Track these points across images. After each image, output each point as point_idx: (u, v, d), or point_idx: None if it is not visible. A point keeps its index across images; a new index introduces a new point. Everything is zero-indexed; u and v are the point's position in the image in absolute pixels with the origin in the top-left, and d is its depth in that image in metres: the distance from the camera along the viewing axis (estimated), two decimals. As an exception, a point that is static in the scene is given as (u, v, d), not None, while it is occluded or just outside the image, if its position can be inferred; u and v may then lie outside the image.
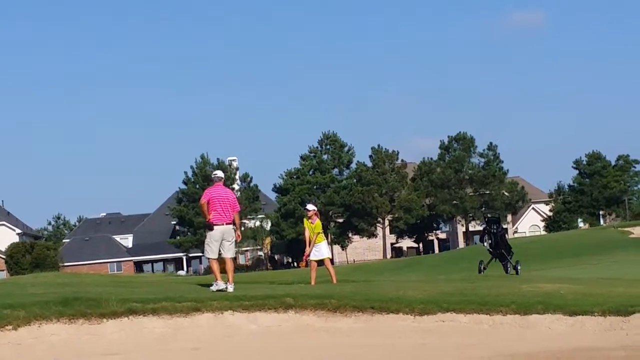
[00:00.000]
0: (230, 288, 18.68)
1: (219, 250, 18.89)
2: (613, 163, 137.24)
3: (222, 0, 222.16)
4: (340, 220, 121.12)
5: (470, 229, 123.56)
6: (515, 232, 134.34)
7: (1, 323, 14.21)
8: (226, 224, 18.81)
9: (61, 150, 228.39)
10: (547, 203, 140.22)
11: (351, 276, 25.90)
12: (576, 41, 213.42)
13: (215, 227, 18.79)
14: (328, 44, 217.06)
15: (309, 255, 22.50)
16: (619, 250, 62.64)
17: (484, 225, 28.50)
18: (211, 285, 19.12)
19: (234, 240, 18.99)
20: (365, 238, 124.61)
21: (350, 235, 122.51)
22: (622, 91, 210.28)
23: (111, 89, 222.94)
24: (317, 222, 22.43)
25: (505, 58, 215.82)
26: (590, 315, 15.80)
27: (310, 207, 22.76)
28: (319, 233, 22.36)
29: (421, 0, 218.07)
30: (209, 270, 20.29)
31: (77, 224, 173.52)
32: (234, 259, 19.71)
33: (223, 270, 19.11)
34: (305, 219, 22.72)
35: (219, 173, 19.47)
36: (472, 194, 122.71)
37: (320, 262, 22.65)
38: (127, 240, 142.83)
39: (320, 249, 22.44)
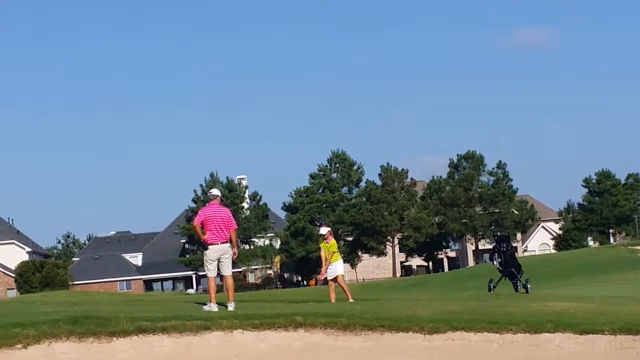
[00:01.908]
0: (231, 307, 18.71)
1: (218, 269, 18.98)
2: (623, 181, 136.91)
3: (233, 20, 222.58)
4: (350, 239, 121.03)
5: (480, 247, 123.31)
6: (525, 250, 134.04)
7: (11, 341, 14.23)
8: (221, 242, 18.85)
9: (71, 169, 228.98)
10: (556, 221, 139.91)
11: (361, 295, 25.91)
12: (585, 58, 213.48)
13: (210, 247, 18.85)
14: (337, 62, 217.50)
15: (325, 275, 22.66)
16: (629, 268, 62.47)
17: (493, 244, 28.44)
18: (205, 304, 19.15)
19: (230, 257, 19.03)
20: (374, 256, 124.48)
21: (359, 253, 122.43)
22: (632, 109, 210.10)
23: (121, 107, 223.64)
24: (333, 241, 22.65)
25: (514, 75, 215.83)
26: (601, 334, 15.76)
27: (323, 230, 22.86)
28: (334, 252, 22.50)
29: (429, 17, 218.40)
30: (219, 289, 20.14)
31: (86, 242, 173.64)
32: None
33: (222, 289, 19.20)
34: (321, 241, 22.86)
35: (215, 191, 19.57)
36: (481, 212, 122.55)
37: (335, 280, 22.77)
38: (136, 259, 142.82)
39: (335, 268, 22.62)
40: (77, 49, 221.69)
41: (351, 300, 22.81)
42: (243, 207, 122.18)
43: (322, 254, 22.69)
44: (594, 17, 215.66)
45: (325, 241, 22.61)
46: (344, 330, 15.84)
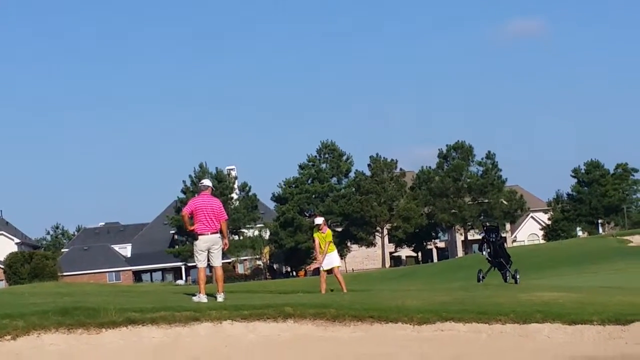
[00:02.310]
0: (220, 298, 18.67)
1: (208, 260, 18.94)
2: (612, 171, 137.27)
3: (226, 14, 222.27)
4: (339, 229, 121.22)
5: (469, 237, 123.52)
6: (514, 240, 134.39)
7: (0, 333, 14.20)
8: (211, 233, 18.77)
9: (60, 160, 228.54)
10: (545, 212, 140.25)
11: (350, 285, 25.94)
12: (576, 49, 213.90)
13: (200, 237, 18.78)
14: (326, 53, 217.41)
15: (322, 264, 22.56)
16: (618, 259, 62.61)
17: (482, 234, 28.44)
18: (194, 295, 19.12)
19: (220, 248, 18.98)
20: (364, 247, 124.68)
21: (349, 244, 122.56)
22: (621, 100, 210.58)
23: (109, 99, 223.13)
24: (328, 231, 22.56)
25: (504, 66, 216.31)
26: (590, 324, 15.78)
27: (318, 220, 22.76)
28: (329, 242, 22.44)
29: (419, 8, 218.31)
30: (208, 280, 20.12)
31: (75, 233, 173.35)
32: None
33: (212, 280, 19.14)
34: (316, 232, 22.75)
35: (206, 182, 19.46)
36: (470, 202, 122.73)
37: (330, 271, 22.70)
38: (125, 250, 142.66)
39: (331, 258, 22.52)
40: (68, 43, 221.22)
41: (345, 291, 22.76)
42: (232, 198, 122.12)
43: (317, 243, 22.56)
44: (585, 7, 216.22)
45: (320, 231, 22.54)
46: (333, 321, 15.83)
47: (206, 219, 18.72)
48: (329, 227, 23.99)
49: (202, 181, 19.62)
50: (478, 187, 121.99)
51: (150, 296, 21.69)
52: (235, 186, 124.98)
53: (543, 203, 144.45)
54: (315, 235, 22.72)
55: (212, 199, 19.15)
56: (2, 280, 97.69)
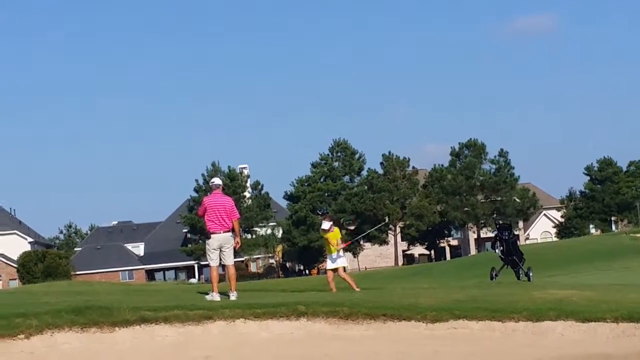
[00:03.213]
0: (233, 297, 18.68)
1: (220, 258, 18.92)
2: (624, 169, 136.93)
3: (230, 8, 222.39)
4: (352, 228, 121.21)
5: (482, 235, 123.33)
6: (527, 238, 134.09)
7: (14, 332, 14.24)
8: (223, 231, 18.79)
9: (72, 159, 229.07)
10: (558, 209, 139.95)
11: (363, 283, 25.92)
12: (587, 46, 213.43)
13: (212, 236, 18.81)
14: (338, 51, 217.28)
15: (342, 247, 22.32)
16: (631, 256, 62.38)
17: (495, 232, 28.37)
18: (207, 294, 19.12)
19: (232, 247, 18.98)
20: (376, 245, 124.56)
21: (361, 242, 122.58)
22: (634, 96, 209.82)
23: (123, 98, 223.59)
24: (336, 229, 22.36)
25: (516, 63, 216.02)
26: (603, 321, 15.74)
27: (326, 225, 22.48)
28: (339, 238, 22.31)
29: (430, 6, 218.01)
30: (221, 278, 20.12)
31: (88, 232, 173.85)
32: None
33: (224, 279, 19.16)
34: (323, 234, 22.53)
35: (216, 180, 19.45)
36: (483, 200, 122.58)
37: (335, 270, 22.53)
38: (138, 249, 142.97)
39: (336, 258, 22.36)
40: (78, 39, 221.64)
41: (357, 289, 22.60)
42: (245, 197, 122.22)
43: (331, 241, 22.27)
44: (595, 3, 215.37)
45: (329, 231, 22.39)
46: (346, 320, 15.84)
47: (218, 217, 18.73)
48: (342, 225, 23.69)
49: (212, 180, 19.61)
50: (491, 185, 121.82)
51: (163, 295, 21.73)
52: (248, 185, 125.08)
53: (556, 201, 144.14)
54: (323, 235, 22.49)
55: (224, 197, 19.16)
56: (15, 279, 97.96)
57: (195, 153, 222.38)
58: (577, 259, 65.62)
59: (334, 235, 22.25)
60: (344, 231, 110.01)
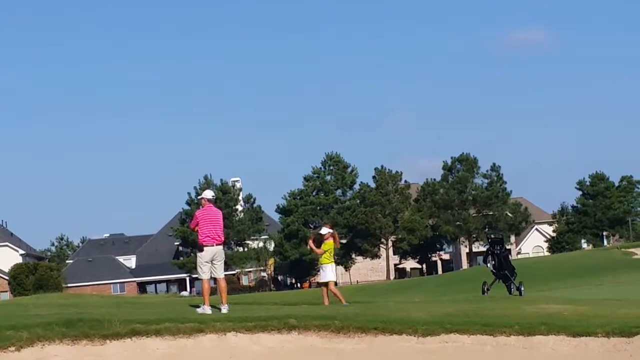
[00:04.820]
0: (224, 309, 18.66)
1: (211, 271, 18.92)
2: (616, 184, 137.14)
3: (225, 21, 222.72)
4: (344, 241, 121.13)
5: (474, 249, 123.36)
6: (519, 253, 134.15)
7: (4, 344, 14.21)
8: (216, 244, 18.82)
9: (65, 171, 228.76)
10: (550, 224, 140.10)
11: (354, 297, 25.90)
12: (580, 60, 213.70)
13: (205, 249, 18.80)
14: (330, 65, 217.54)
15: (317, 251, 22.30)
16: (622, 271, 62.56)
17: (487, 246, 28.35)
18: (198, 307, 19.10)
19: (223, 260, 19.02)
20: (368, 259, 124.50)
21: (353, 256, 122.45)
22: (626, 112, 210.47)
23: (113, 110, 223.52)
24: (330, 241, 22.31)
25: (508, 77, 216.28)
26: (594, 336, 15.76)
27: (324, 230, 22.50)
28: (326, 251, 22.23)
29: (422, 19, 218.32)
30: (212, 291, 20.09)
31: (80, 244, 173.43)
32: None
33: (216, 292, 19.15)
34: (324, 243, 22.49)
35: (209, 193, 19.47)
36: (475, 214, 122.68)
37: (326, 285, 22.50)
38: (130, 261, 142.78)
39: (326, 272, 22.30)
40: (74, 50, 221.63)
41: (345, 303, 22.62)
42: (237, 210, 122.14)
43: (320, 249, 22.23)
44: (589, 18, 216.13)
45: (326, 240, 22.34)
46: (337, 333, 15.83)
47: (211, 230, 18.74)
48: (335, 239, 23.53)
49: (205, 192, 19.60)
50: (483, 199, 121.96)
51: (154, 308, 21.69)
52: (240, 198, 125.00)
53: (548, 215, 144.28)
54: (324, 246, 22.47)
55: (216, 210, 19.19)
56: (6, 291, 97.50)
57: (187, 166, 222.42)
58: (568, 273, 65.75)
59: (325, 245, 22.21)
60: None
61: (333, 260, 22.57)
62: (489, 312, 18.39)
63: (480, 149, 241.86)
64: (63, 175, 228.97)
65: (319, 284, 22.59)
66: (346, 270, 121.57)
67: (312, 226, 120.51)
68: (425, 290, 69.05)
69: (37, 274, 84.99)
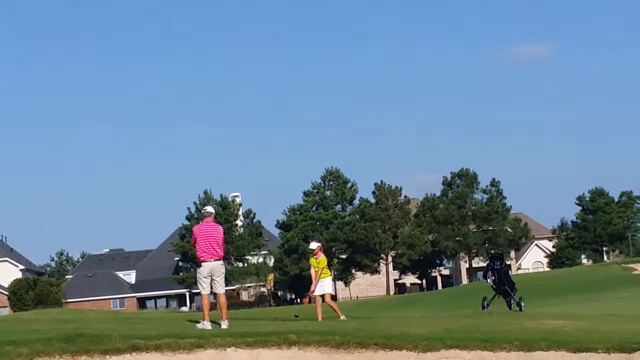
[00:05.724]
0: (224, 325, 18.68)
1: (211, 287, 18.95)
2: (616, 199, 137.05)
3: (225, 33, 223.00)
4: (344, 257, 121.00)
5: (474, 265, 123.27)
6: (519, 268, 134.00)
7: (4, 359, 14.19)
8: (214, 260, 18.87)
9: (64, 186, 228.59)
10: (550, 239, 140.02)
11: (354, 312, 25.90)
12: (580, 75, 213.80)
13: (203, 264, 18.89)
14: (331, 79, 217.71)
15: (313, 292, 22.46)
16: (622, 286, 62.46)
17: (487, 262, 28.38)
18: (198, 322, 19.11)
19: (223, 275, 19.04)
20: (368, 274, 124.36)
21: (353, 271, 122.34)
22: (625, 127, 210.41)
23: (114, 124, 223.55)
24: (322, 257, 22.41)
25: (507, 93, 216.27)
26: (594, 352, 15.75)
27: (313, 245, 22.67)
28: (323, 268, 22.32)
29: (422, 34, 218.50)
30: (212, 307, 20.12)
31: (80, 260, 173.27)
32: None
33: (215, 307, 19.14)
34: (311, 257, 22.69)
35: (209, 209, 19.56)
36: (475, 230, 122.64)
37: (323, 298, 22.54)
38: (130, 277, 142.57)
39: (323, 285, 22.38)
40: (72, 65, 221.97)
41: (342, 317, 22.68)
42: (237, 225, 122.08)
43: (312, 271, 22.51)
44: (589, 33, 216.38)
45: (314, 257, 22.48)
46: (337, 348, 15.81)
47: (208, 246, 18.79)
48: (333, 254, 23.68)
49: (205, 208, 19.69)
50: (482, 214, 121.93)
51: (154, 323, 21.68)
52: (240, 213, 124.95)
53: (548, 231, 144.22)
54: (310, 261, 22.65)
55: (215, 225, 19.24)
56: (6, 306, 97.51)
57: (187, 181, 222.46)
58: (568, 289, 65.67)
59: (319, 263, 22.28)
60: (335, 260, 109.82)
61: (330, 273, 22.72)
62: (489, 327, 18.38)
63: (480, 165, 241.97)
64: (63, 190, 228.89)
65: (316, 298, 22.56)
66: (346, 286, 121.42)
67: (310, 241, 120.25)
68: (425, 305, 68.92)
69: (36, 290, 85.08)
